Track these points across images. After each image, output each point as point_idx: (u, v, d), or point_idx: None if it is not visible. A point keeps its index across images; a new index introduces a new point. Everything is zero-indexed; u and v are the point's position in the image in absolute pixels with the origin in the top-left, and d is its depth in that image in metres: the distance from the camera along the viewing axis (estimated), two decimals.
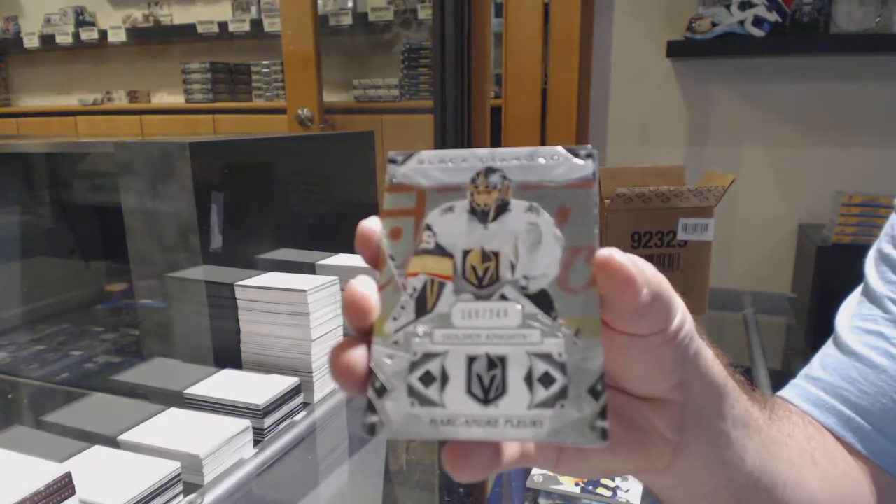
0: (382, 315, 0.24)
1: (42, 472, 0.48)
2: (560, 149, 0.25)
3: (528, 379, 0.23)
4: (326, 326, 0.81)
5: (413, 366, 0.24)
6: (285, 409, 0.75)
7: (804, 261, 1.92)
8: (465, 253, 0.25)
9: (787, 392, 0.50)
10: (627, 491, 0.59)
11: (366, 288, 0.24)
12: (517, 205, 0.25)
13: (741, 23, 1.86)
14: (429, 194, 0.25)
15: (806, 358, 0.53)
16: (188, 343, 0.86)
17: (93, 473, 0.57)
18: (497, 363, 0.24)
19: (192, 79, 3.10)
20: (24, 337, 1.07)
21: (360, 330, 0.24)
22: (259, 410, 0.71)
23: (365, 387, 0.24)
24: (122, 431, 0.65)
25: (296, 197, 1.07)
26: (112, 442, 0.64)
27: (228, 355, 0.83)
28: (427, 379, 0.24)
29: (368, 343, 0.24)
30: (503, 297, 0.24)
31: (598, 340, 0.23)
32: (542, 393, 0.23)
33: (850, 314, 0.50)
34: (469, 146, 1.77)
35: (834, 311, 0.54)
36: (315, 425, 0.77)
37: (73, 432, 0.67)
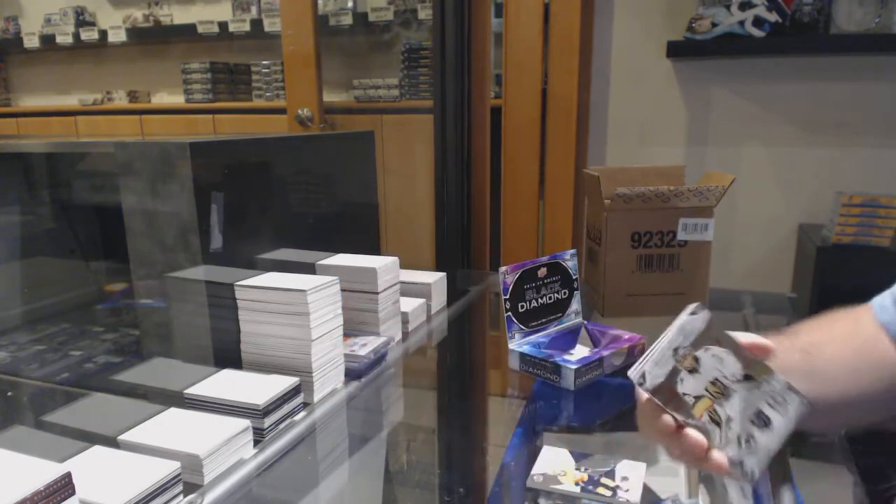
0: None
1: (42, 472, 0.48)
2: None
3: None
4: (326, 326, 0.81)
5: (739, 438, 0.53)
6: (285, 408, 0.75)
7: (804, 261, 1.92)
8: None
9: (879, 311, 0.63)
10: (627, 491, 0.59)
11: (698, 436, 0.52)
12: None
13: (741, 23, 1.86)
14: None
15: None
16: (188, 343, 0.86)
17: (93, 473, 0.57)
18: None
19: (192, 79, 3.10)
20: (24, 337, 1.07)
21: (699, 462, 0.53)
22: (259, 410, 0.71)
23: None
24: (122, 431, 0.65)
25: (296, 197, 1.07)
26: (112, 442, 0.64)
27: (228, 355, 0.83)
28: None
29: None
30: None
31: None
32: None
33: None
34: (469, 146, 1.77)
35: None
36: (315, 425, 0.77)
37: (73, 432, 0.67)
